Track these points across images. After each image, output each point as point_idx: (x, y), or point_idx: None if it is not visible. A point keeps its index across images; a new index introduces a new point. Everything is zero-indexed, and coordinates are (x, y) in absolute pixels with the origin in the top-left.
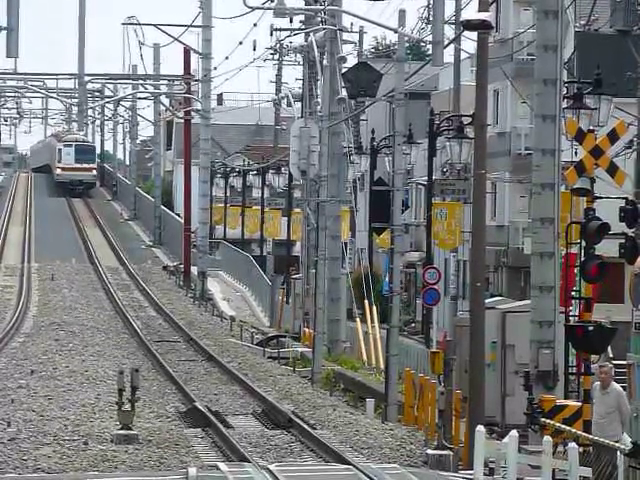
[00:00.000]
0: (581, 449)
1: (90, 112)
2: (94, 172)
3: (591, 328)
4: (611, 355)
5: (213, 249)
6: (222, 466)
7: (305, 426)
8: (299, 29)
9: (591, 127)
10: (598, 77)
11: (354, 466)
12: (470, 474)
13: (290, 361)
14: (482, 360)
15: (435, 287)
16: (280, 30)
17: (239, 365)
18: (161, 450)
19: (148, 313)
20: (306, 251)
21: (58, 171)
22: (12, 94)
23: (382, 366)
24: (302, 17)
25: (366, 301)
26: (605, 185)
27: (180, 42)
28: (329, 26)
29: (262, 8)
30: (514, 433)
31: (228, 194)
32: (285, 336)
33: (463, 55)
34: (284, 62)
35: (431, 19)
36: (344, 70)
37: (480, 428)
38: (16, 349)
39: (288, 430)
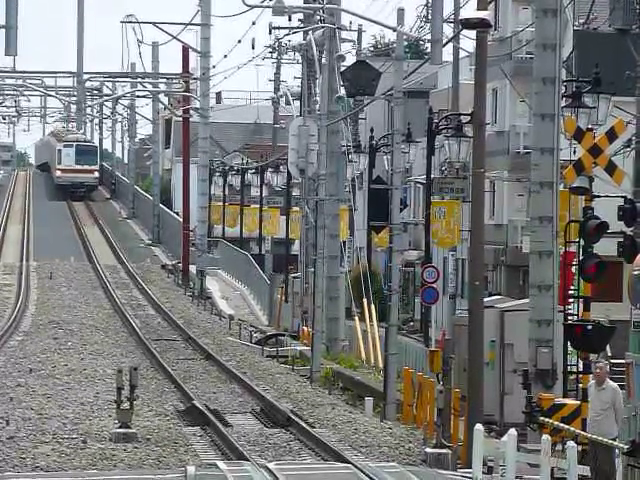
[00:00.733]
0: (580, 448)
1: (88, 110)
2: (96, 174)
3: (590, 327)
4: (610, 354)
5: (212, 248)
6: (221, 464)
7: (304, 425)
8: (298, 27)
9: (590, 126)
10: (597, 76)
11: (353, 464)
12: (469, 472)
13: (289, 360)
14: (481, 359)
15: (434, 286)
16: (279, 28)
17: (238, 364)
18: (160, 448)
19: (147, 312)
20: (305, 250)
21: (58, 173)
22: (11, 92)
23: (381, 365)
24: (301, 15)
25: (365, 300)
26: (604, 184)
27: (179, 40)
28: (328, 24)
29: (261, 6)
30: (513, 432)
31: (227, 193)
32: (284, 335)
33: (462, 54)
34: (283, 60)
35: (430, 17)
36: (343, 68)
37: (479, 427)
38: (15, 347)
39: (287, 429)
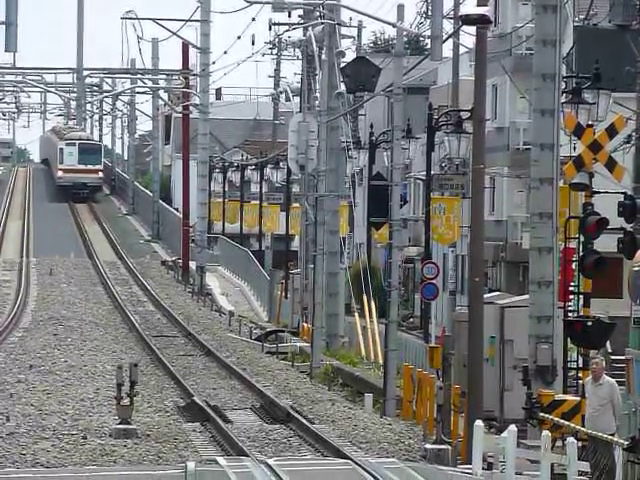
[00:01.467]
0: (580, 444)
1: (88, 107)
2: (100, 174)
3: (590, 323)
4: (610, 350)
5: (211, 244)
6: (221, 460)
7: (303, 421)
8: (298, 24)
9: (590, 122)
10: (597, 72)
11: (352, 460)
12: (469, 468)
13: (289, 356)
14: (481, 355)
15: (434, 282)
16: (279, 25)
17: (238, 360)
18: (160, 444)
19: (147, 308)
20: (305, 246)
21: (59, 173)
22: (11, 88)
23: (380, 361)
24: (301, 11)
25: (364, 296)
26: (604, 180)
27: (179, 37)
28: (328, 20)
29: (260, 2)
30: (513, 428)
31: (226, 189)
32: (284, 331)
33: (462, 50)
34: (282, 57)
35: (430, 13)
36: (343, 65)
37: (479, 423)
38: (15, 344)
39: (287, 425)
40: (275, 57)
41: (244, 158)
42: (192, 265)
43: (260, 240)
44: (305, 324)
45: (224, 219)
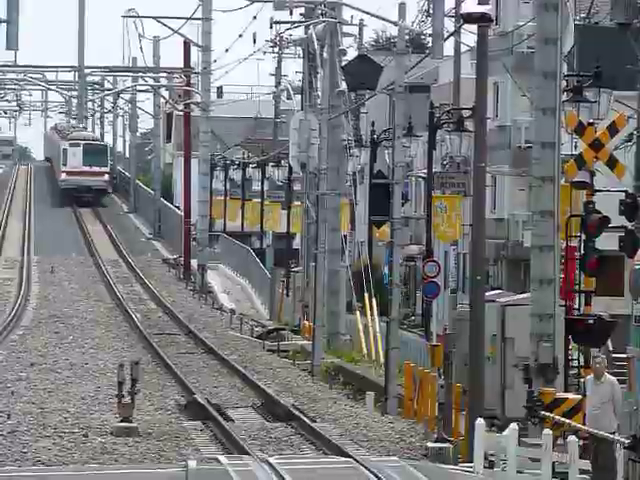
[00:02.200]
0: (581, 442)
1: (90, 105)
2: (106, 177)
3: (591, 321)
4: (611, 348)
5: (213, 242)
6: (222, 459)
7: (305, 419)
8: (299, 22)
9: (591, 120)
10: (598, 70)
11: (354, 459)
12: (470, 467)
13: (290, 354)
14: (482, 353)
15: (435, 280)
16: (280, 23)
17: (239, 358)
18: (161, 443)
19: (148, 306)
20: (306, 244)
21: (63, 176)
22: (12, 86)
23: (382, 359)
24: (302, 10)
25: (366, 294)
26: (605, 178)
27: (180, 35)
28: (329, 19)
29: (262, 0)
30: (514, 426)
31: (228, 187)
32: (285, 329)
33: (463, 48)
34: (284, 55)
35: (431, 12)
36: (344, 63)
37: (480, 421)
38: (16, 342)
39: (288, 423)
40: (276, 55)
41: (245, 156)
42: (193, 263)
43: (261, 238)
44: (306, 322)
45: (225, 217)
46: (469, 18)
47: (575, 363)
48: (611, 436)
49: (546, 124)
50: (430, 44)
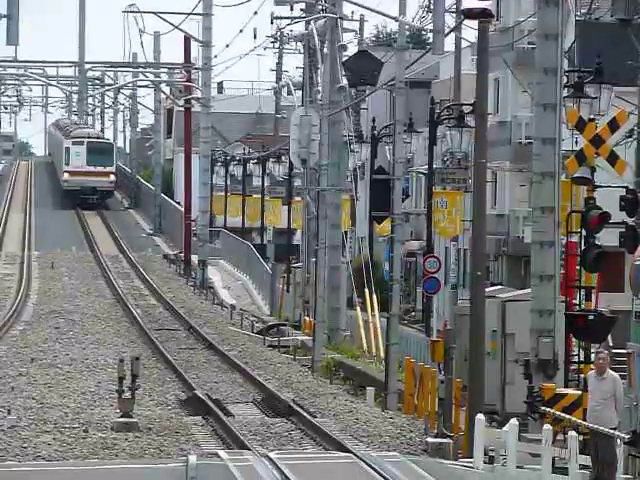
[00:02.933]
0: (581, 437)
1: (90, 100)
2: (112, 177)
3: (591, 317)
4: (611, 344)
5: (213, 238)
6: (222, 454)
7: (305, 414)
8: (300, 17)
9: (591, 116)
10: (599, 66)
11: (354, 454)
12: (470, 462)
13: (290, 349)
14: (482, 349)
15: (435, 276)
16: (281, 18)
17: (239, 353)
18: (161, 438)
19: (148, 301)
20: (306, 240)
21: (65, 176)
22: (12, 82)
23: (382, 355)
24: (303, 5)
25: (366, 290)
26: (605, 174)
27: (180, 30)
28: (330, 14)
29: None
30: (514, 421)
31: (228, 183)
32: (285, 324)
33: (464, 44)
34: (285, 50)
35: (432, 7)
36: (345, 58)
37: (480, 416)
38: (16, 337)
39: (288, 418)
40: (277, 51)
41: (246, 152)
42: (194, 259)
43: (262, 234)
44: (307, 318)
45: (226, 213)
46: (470, 14)
47: (575, 359)
48: (611, 431)
49: (547, 120)
50: (431, 40)
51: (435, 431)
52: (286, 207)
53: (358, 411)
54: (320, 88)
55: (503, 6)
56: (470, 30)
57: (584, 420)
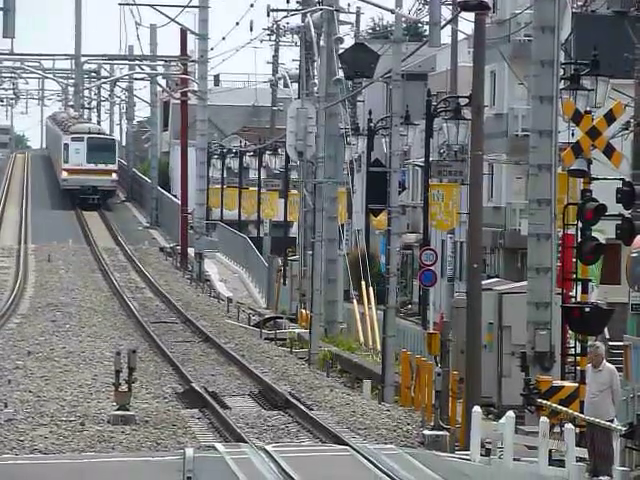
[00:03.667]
0: (578, 430)
1: (86, 93)
2: (114, 175)
3: (588, 309)
4: (608, 336)
5: (210, 230)
6: (219, 447)
7: (302, 407)
8: (296, 10)
9: (588, 108)
10: (595, 58)
11: (351, 447)
12: (467, 455)
13: (287, 342)
14: (479, 341)
15: (432, 268)
16: (277, 11)
17: (236, 346)
18: (158, 431)
19: (145, 294)
20: (303, 232)
21: (64, 174)
22: (9, 74)
23: (379, 347)
24: None
25: (363, 282)
26: (602, 166)
27: (177, 23)
28: (326, 7)
29: None
30: (510, 414)
31: (225, 175)
32: (282, 317)
33: (460, 36)
34: (281, 43)
35: (428, 0)
36: (341, 51)
37: (477, 409)
38: (13, 330)
39: (285, 411)
40: (273, 43)
41: (242, 144)
42: (190, 252)
43: (258, 227)
44: (303, 310)
45: (222, 206)
46: (466, 6)
47: (572, 351)
48: (608, 424)
49: (543, 112)
50: (427, 32)
51: (432, 424)
52: (283, 200)
53: (355, 404)
54: (316, 80)
55: None
56: (467, 22)
57: (581, 412)
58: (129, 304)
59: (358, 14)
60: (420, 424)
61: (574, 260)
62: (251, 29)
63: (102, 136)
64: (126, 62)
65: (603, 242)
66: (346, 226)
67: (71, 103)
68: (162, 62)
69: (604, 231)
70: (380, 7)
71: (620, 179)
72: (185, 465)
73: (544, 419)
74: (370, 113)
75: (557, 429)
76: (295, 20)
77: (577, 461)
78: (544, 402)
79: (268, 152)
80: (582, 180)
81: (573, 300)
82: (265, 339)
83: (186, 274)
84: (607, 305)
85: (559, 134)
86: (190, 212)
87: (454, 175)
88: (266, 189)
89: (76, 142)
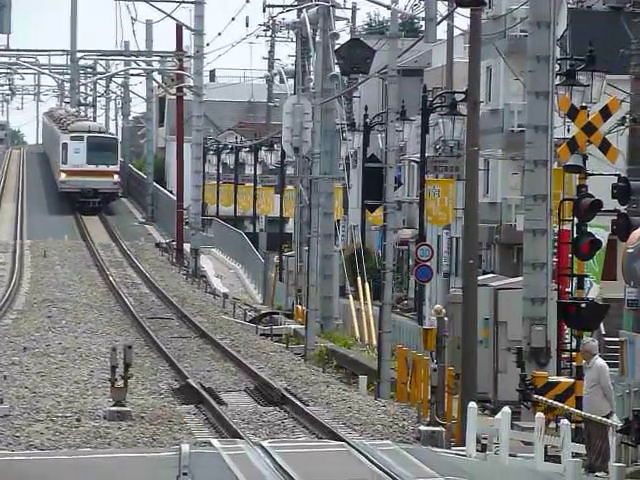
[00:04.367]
0: (573, 425)
1: (82, 88)
2: (116, 177)
3: (583, 305)
4: (604, 332)
5: (206, 226)
6: (215, 442)
7: (298, 403)
8: (292, 5)
9: (584, 104)
10: (591, 54)
11: (347, 442)
12: (462, 450)
13: (283, 338)
14: (475, 337)
15: (428, 264)
16: (273, 6)
17: (232, 342)
18: (154, 427)
19: (141, 290)
20: (299, 228)
21: (62, 176)
22: (4, 70)
23: (375, 343)
24: None
25: (359, 278)
26: (598, 162)
27: (172, 18)
28: (322, 2)
29: None
30: (506, 409)
31: (221, 171)
32: (278, 313)
33: (456, 32)
34: (277, 38)
35: None
36: (337, 47)
37: (472, 404)
38: (9, 326)
39: (281, 407)
40: (269, 39)
41: (238, 140)
42: (186, 247)
43: (254, 222)
44: (299, 306)
45: (218, 201)
46: (462, 1)
47: (568, 347)
48: (600, 419)
49: (539, 108)
50: (423, 28)
51: (428, 419)
52: (278, 196)
53: (351, 399)
54: (312, 76)
55: None
56: (462, 18)
57: (576, 408)
58: (125, 300)
59: (354, 10)
60: (416, 420)
61: (570, 256)
62: (247, 25)
63: (103, 135)
64: (122, 58)
65: (602, 238)
66: (342, 222)
67: (67, 100)
68: (158, 58)
69: (607, 227)
70: (376, 3)
71: (616, 175)
72: (181, 461)
73: (540, 415)
74: (366, 109)
75: (553, 425)
76: (291, 16)
77: (573, 457)
78: (540, 398)
79: (264, 148)
80: (578, 176)
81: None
82: (261, 335)
83: (182, 270)
84: (603, 301)
85: (555, 130)
86: (186, 208)
87: (450, 171)
88: (262, 185)
89: (75, 141)
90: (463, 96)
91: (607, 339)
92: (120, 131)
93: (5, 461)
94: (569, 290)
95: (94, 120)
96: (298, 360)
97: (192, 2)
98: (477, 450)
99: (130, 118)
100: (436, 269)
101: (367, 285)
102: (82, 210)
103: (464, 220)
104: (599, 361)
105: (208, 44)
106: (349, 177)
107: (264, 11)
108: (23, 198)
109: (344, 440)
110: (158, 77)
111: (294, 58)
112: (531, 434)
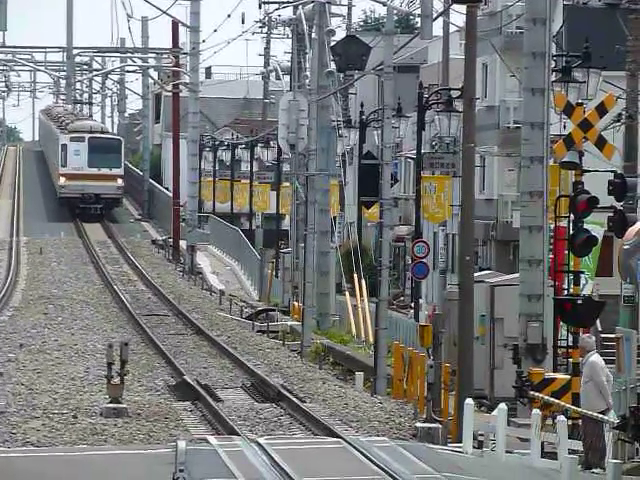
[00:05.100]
0: (570, 422)
1: (78, 85)
2: (119, 181)
3: (580, 302)
4: (600, 328)
5: (202, 223)
6: (211, 439)
7: (294, 399)
8: (288, 2)
9: (580, 100)
10: (587, 50)
11: (343, 439)
12: (459, 447)
13: (279, 335)
14: (471, 333)
15: (424, 261)
16: (269, 3)
17: (228, 339)
18: (150, 423)
19: (137, 287)
20: (295, 225)
21: (62, 180)
22: (0, 67)
23: (371, 339)
24: None
25: (355, 275)
26: (594, 158)
27: (168, 15)
28: None
29: None
30: (503, 406)
31: (217, 168)
32: (274, 310)
33: (452, 28)
34: (273, 35)
35: None
36: (333, 43)
37: (469, 401)
38: (5, 323)
39: (277, 403)
40: (265, 36)
41: (234, 137)
42: (182, 244)
43: (251, 219)
44: (296, 303)
45: (214, 198)
46: None
47: (564, 343)
48: (595, 415)
49: (535, 104)
50: (419, 24)
51: (424, 416)
52: (275, 192)
53: (347, 396)
54: (308, 73)
55: None
56: (458, 15)
57: (573, 404)
58: (121, 297)
59: (350, 6)
60: (412, 416)
61: (566, 252)
62: (243, 21)
63: (106, 136)
64: (118, 55)
65: (597, 235)
66: (338, 218)
67: (63, 97)
68: (154, 55)
69: (603, 224)
70: None
71: (612, 171)
72: (177, 458)
73: (536, 411)
74: (362, 105)
75: (549, 421)
76: (287, 12)
77: (569, 453)
78: (536, 394)
79: (260, 144)
80: (574, 172)
81: (565, 292)
82: (257, 331)
83: (178, 267)
84: (599, 297)
85: (551, 126)
86: (182, 204)
87: (446, 167)
88: (258, 182)
89: (75, 142)
90: (459, 93)
91: (603, 335)
92: (116, 128)
93: (2, 458)
94: (565, 286)
95: (90, 117)
96: (294, 357)
97: None
98: (474, 447)
99: (126, 115)
100: (432, 266)
101: (363, 282)
102: (83, 217)
103: (460, 217)
104: (593, 357)
105: (204, 41)
106: (345, 174)
107: (260, 8)
108: (20, 195)
109: (340, 437)
110: (154, 74)
111: (290, 55)
112: (528, 430)
